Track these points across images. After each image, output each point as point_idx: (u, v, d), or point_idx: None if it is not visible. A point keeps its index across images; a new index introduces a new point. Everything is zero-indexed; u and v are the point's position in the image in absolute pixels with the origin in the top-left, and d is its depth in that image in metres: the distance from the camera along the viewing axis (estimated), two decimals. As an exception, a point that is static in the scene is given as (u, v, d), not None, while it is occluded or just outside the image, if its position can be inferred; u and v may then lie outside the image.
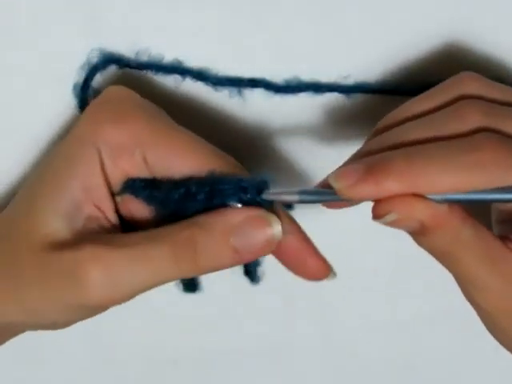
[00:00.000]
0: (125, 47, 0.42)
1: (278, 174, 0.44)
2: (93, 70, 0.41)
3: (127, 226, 0.38)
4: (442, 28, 0.42)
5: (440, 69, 0.42)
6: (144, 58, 0.42)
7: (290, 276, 0.46)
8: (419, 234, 0.34)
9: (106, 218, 0.37)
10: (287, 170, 0.44)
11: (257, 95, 0.43)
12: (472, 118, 0.33)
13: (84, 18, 0.42)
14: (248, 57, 0.42)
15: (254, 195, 0.35)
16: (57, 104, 0.43)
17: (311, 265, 0.38)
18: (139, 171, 0.36)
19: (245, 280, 0.47)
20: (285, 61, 0.42)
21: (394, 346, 0.48)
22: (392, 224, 0.33)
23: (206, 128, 0.39)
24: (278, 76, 0.42)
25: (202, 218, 0.35)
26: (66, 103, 0.43)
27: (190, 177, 0.36)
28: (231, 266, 0.35)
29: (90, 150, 0.36)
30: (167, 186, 0.36)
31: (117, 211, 0.37)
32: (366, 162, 0.33)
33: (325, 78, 0.43)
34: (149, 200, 0.36)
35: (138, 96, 0.38)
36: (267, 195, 0.35)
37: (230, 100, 0.43)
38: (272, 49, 0.42)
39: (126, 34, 0.42)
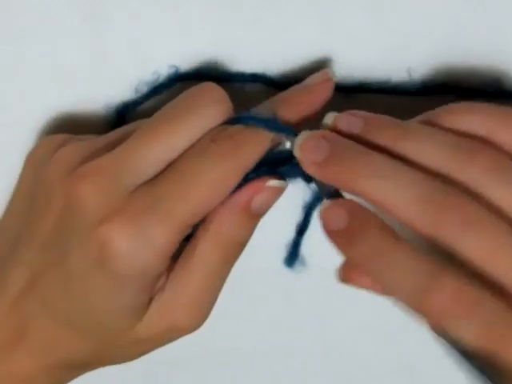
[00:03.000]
0: (126, 47, 0.42)
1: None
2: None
3: None
4: (442, 28, 0.42)
5: (440, 69, 0.42)
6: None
7: (290, 276, 0.46)
8: None
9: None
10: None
11: (257, 91, 0.43)
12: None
13: (84, 18, 0.42)
14: (248, 56, 0.42)
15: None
16: (56, 104, 0.43)
17: None
18: None
19: (245, 280, 0.47)
20: (285, 60, 0.42)
21: (393, 346, 0.48)
22: None
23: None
24: (279, 73, 0.43)
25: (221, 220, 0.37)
26: (69, 104, 0.43)
27: None
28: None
29: None
30: None
31: None
32: (334, 143, 0.34)
33: (325, 77, 0.43)
34: None
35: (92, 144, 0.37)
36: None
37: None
38: (272, 48, 0.42)
39: (126, 33, 0.42)
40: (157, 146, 0.35)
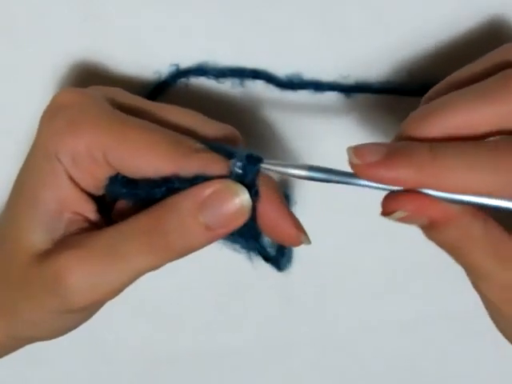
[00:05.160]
0: (127, 47, 0.42)
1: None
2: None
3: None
4: (442, 28, 0.42)
5: (440, 68, 0.42)
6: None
7: (290, 276, 0.47)
8: (428, 229, 0.33)
9: (87, 219, 0.37)
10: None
11: (258, 88, 0.43)
12: None
13: (84, 17, 0.42)
14: (249, 55, 0.42)
15: (247, 167, 0.34)
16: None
17: (284, 230, 0.36)
18: (107, 173, 0.36)
19: (244, 280, 0.47)
20: (286, 60, 0.42)
21: (393, 346, 0.48)
22: (400, 220, 0.33)
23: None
24: (279, 73, 0.43)
25: (169, 201, 0.34)
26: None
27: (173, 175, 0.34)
28: (207, 244, 0.34)
29: (53, 163, 0.35)
30: (147, 183, 0.35)
31: (101, 209, 0.37)
32: (390, 146, 0.32)
33: (325, 77, 0.43)
34: (129, 197, 0.36)
35: (89, 97, 0.36)
36: (269, 165, 0.34)
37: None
38: (273, 48, 0.42)
39: (126, 33, 0.42)
40: None
